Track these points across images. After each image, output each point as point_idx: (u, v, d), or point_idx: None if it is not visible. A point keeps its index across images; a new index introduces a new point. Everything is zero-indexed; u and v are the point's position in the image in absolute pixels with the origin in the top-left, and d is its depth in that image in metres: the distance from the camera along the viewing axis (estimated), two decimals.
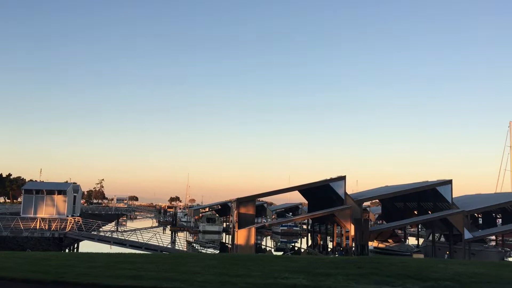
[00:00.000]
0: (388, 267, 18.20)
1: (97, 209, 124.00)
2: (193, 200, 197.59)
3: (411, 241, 65.23)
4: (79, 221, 49.63)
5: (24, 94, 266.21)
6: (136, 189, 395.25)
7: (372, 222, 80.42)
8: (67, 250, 48.90)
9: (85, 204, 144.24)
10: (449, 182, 47.78)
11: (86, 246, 48.97)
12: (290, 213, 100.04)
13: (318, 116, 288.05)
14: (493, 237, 61.34)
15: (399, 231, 64.66)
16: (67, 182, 73.62)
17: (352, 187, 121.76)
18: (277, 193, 51.26)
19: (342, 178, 47.24)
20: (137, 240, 45.23)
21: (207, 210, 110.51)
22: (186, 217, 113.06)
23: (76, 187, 68.82)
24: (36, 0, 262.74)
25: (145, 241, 44.45)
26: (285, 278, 14.70)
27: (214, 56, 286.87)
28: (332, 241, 55.79)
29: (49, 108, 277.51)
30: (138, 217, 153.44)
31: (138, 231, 48.42)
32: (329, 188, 47.26)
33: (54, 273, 14.63)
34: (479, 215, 60.86)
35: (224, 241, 73.06)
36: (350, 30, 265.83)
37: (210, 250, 49.87)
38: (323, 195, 49.42)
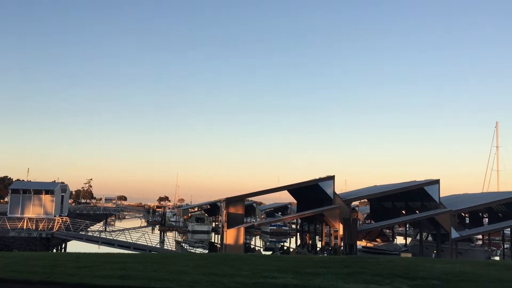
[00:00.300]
0: (376, 266, 18.34)
1: (85, 209, 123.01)
2: (182, 200, 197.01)
3: (399, 240, 65.66)
4: (67, 221, 49.27)
5: (10, 93, 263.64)
6: (125, 189, 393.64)
7: (360, 222, 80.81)
8: (54, 250, 48.50)
9: (73, 204, 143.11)
10: (437, 182, 48.16)
11: (74, 246, 48.62)
12: (279, 213, 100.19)
13: (307, 116, 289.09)
14: (480, 236, 62.06)
15: (387, 231, 65.04)
16: (54, 181, 72.97)
17: (341, 187, 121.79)
18: (266, 193, 51.28)
19: (331, 177, 47.40)
20: (125, 240, 45.01)
21: (196, 209, 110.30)
22: (175, 217, 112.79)
23: (64, 187, 68.24)
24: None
25: (133, 241, 44.24)
26: (274, 277, 14.74)
27: (203, 55, 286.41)
28: (321, 240, 55.96)
29: (36, 107, 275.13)
30: (126, 217, 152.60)
31: (127, 231, 48.19)
32: (318, 187, 47.41)
33: (41, 273, 14.52)
34: (466, 215, 61.46)
35: (213, 240, 72.95)
36: (344, 31, 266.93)
37: (199, 250, 49.79)
38: (312, 194, 49.56)
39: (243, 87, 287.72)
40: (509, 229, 52.39)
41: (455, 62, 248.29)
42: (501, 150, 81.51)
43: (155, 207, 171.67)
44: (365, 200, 72.78)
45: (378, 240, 54.09)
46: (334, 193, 47.01)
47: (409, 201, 53.59)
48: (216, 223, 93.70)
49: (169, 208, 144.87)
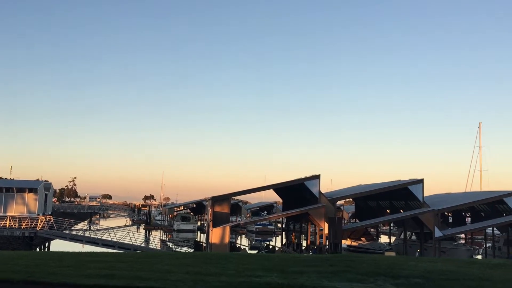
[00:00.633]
0: (360, 264, 18.49)
1: (69, 208, 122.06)
2: (167, 199, 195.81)
3: (384, 239, 66.23)
4: (51, 220, 48.76)
5: None
6: (110, 188, 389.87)
7: (345, 221, 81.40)
8: (37, 249, 47.99)
9: (57, 203, 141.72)
10: (421, 181, 48.67)
11: (58, 245, 48.16)
12: (265, 212, 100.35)
13: (293, 115, 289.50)
14: (463, 235, 62.85)
15: (372, 230, 65.59)
16: (38, 180, 72.21)
17: (326, 186, 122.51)
18: (252, 192, 51.37)
19: (317, 177, 47.62)
20: (110, 239, 44.72)
21: (182, 208, 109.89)
22: (160, 215, 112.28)
23: (47, 185, 67.52)
24: None
25: (118, 240, 43.96)
26: (258, 276, 14.77)
27: (195, 53, 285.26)
28: (306, 239, 56.22)
29: (20, 105, 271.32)
30: (111, 215, 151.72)
31: (111, 230, 47.87)
32: (303, 187, 47.60)
33: (24, 272, 14.35)
34: (449, 214, 62.19)
35: (198, 239, 72.83)
36: (336, 31, 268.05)
37: (184, 249, 49.64)
38: (297, 193, 49.75)
39: (229, 87, 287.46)
40: (491, 228, 53.13)
41: (439, 63, 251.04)
42: (484, 150, 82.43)
43: (140, 206, 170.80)
44: (350, 199, 73.18)
45: (362, 239, 54.50)
46: (320, 192, 47.25)
47: (393, 200, 54.08)
48: (202, 222, 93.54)
49: (154, 207, 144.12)
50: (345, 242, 52.25)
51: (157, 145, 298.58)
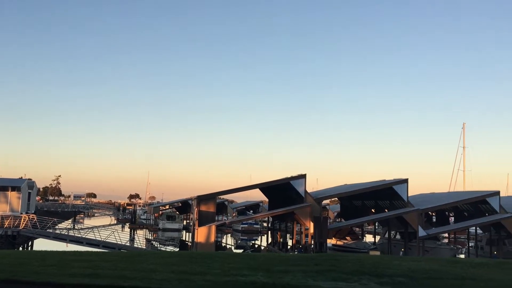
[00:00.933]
0: (345, 264, 18.64)
1: (53, 206, 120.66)
2: (153, 198, 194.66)
3: (368, 238, 66.71)
4: (34, 219, 48.19)
5: None
6: (94, 186, 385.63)
7: (331, 220, 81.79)
8: (20, 248, 47.40)
9: (41, 201, 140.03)
10: (405, 181, 49.07)
11: (41, 244, 47.62)
12: (251, 211, 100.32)
13: (280, 115, 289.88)
14: (446, 235, 63.57)
15: (357, 229, 66.00)
16: (21, 178, 71.20)
17: (312, 185, 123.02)
18: (238, 191, 51.29)
19: (303, 176, 47.76)
20: (94, 238, 44.33)
21: (167, 207, 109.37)
22: (145, 214, 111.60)
23: (31, 183, 66.61)
24: None
25: (103, 239, 43.60)
26: (244, 275, 14.80)
27: (184, 52, 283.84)
28: (292, 238, 56.38)
29: (3, 104, 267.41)
30: (96, 214, 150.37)
31: (96, 229, 47.48)
32: (289, 186, 47.70)
33: (7, 271, 14.19)
34: (433, 213, 62.84)
35: (184, 239, 72.58)
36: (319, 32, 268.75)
37: (169, 248, 49.45)
38: (283, 193, 49.85)
39: (215, 87, 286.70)
40: (474, 227, 53.81)
41: (424, 64, 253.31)
42: (467, 151, 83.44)
43: (125, 205, 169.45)
44: (336, 198, 73.63)
45: (347, 238, 54.82)
46: (306, 191, 47.39)
47: (378, 200, 54.47)
48: (188, 221, 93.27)
49: (139, 206, 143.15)
50: (330, 242, 52.49)
51: (142, 144, 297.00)
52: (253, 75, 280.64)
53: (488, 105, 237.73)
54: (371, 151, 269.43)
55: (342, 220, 64.04)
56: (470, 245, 55.97)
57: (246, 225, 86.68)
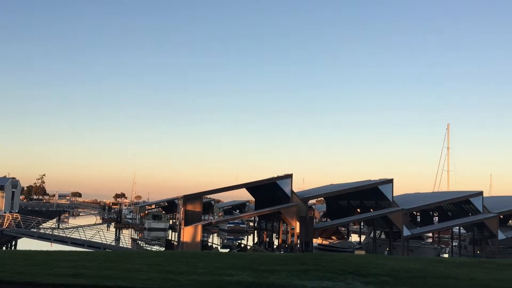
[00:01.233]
0: (330, 263, 18.73)
1: (37, 206, 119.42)
2: (139, 197, 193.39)
3: (354, 238, 67.13)
4: (18, 218, 47.64)
5: None
6: (80, 185, 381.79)
7: (317, 220, 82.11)
8: (4, 248, 46.81)
9: (25, 200, 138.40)
10: (390, 181, 49.47)
11: (25, 244, 47.07)
12: (237, 211, 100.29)
13: (266, 115, 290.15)
14: (430, 234, 64.26)
15: (343, 229, 66.38)
16: (5, 177, 70.42)
17: (298, 185, 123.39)
18: (225, 190, 51.26)
19: (289, 176, 47.88)
20: (79, 238, 43.96)
21: (154, 207, 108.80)
22: (131, 214, 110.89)
23: (14, 182, 65.94)
24: None
25: (88, 239, 43.27)
26: (229, 275, 14.81)
27: (177, 52, 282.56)
28: (278, 238, 56.50)
29: None
30: (81, 214, 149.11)
31: (81, 228, 47.09)
32: (276, 186, 47.79)
33: None
34: (418, 213, 63.42)
35: (170, 238, 72.32)
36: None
37: (155, 248, 49.23)
38: (270, 192, 49.93)
39: (201, 85, 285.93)
40: (457, 227, 54.45)
41: (409, 63, 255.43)
42: (451, 152, 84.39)
43: (111, 204, 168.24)
44: (322, 198, 73.86)
45: (333, 237, 55.11)
46: (292, 191, 47.51)
47: (364, 199, 54.83)
48: (174, 220, 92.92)
49: (125, 205, 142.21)
50: (316, 241, 52.73)
51: (128, 143, 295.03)
52: (239, 76, 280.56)
53: (472, 106, 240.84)
54: (357, 151, 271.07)
55: (328, 219, 64.35)
56: (453, 244, 56.61)
57: (233, 225, 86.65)
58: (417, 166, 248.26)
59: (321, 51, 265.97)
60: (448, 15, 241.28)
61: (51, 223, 70.64)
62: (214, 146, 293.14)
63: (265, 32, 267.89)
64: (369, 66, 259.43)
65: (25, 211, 73.82)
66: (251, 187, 51.63)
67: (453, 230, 56.53)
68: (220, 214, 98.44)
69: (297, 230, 45.57)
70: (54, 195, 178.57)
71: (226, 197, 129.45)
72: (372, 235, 54.59)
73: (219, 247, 62.55)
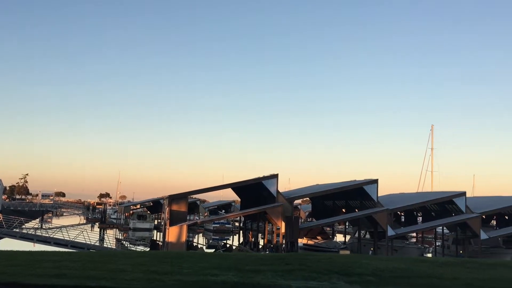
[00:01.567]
0: (315, 263, 18.80)
1: (20, 205, 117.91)
2: (124, 197, 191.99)
3: (339, 238, 67.46)
4: (0, 218, 46.93)
5: None
6: (63, 185, 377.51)
7: (302, 220, 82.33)
8: None
9: (7, 200, 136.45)
10: (375, 181, 49.81)
11: (7, 244, 46.30)
12: (223, 211, 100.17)
13: (252, 116, 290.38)
14: (414, 234, 64.88)
15: (328, 228, 66.68)
16: None
17: (284, 185, 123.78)
18: (210, 190, 51.12)
19: (275, 176, 47.94)
20: (62, 238, 43.48)
21: (138, 207, 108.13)
22: (116, 214, 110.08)
23: None
24: None
25: (71, 239, 42.82)
26: (215, 275, 14.78)
27: (151, 54, 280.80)
28: (264, 238, 56.53)
29: None
30: (64, 214, 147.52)
31: (64, 229, 46.58)
32: (261, 186, 47.81)
33: None
34: (402, 213, 63.99)
35: (155, 238, 71.90)
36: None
37: (140, 248, 48.91)
38: (255, 192, 49.93)
39: (185, 85, 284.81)
40: (441, 227, 55.06)
41: (394, 64, 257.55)
42: (435, 152, 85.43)
43: (95, 204, 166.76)
44: (308, 198, 74.13)
45: (318, 237, 55.33)
46: (277, 191, 47.58)
47: (349, 200, 55.14)
48: (159, 220, 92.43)
49: (110, 205, 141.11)
50: (302, 241, 52.90)
51: (113, 142, 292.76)
52: (224, 75, 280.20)
53: (456, 107, 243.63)
54: (342, 152, 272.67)
55: (313, 219, 64.58)
56: (437, 244, 57.22)
57: (218, 225, 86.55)
58: (401, 167, 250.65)
59: (321, 51, 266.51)
60: (434, 16, 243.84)
61: (34, 223, 69.67)
62: (200, 145, 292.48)
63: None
64: (352, 67, 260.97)
65: (7, 211, 72.86)
66: (237, 187, 51.56)
67: (437, 230, 57.16)
68: (206, 214, 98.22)
69: (283, 230, 45.64)
70: (37, 195, 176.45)
71: (212, 197, 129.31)
72: (357, 235, 54.94)
73: (204, 247, 62.36)
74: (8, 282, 12.28)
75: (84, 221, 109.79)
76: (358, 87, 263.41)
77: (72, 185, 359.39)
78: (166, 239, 43.27)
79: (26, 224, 57.30)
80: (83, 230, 46.78)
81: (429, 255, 53.28)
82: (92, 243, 42.94)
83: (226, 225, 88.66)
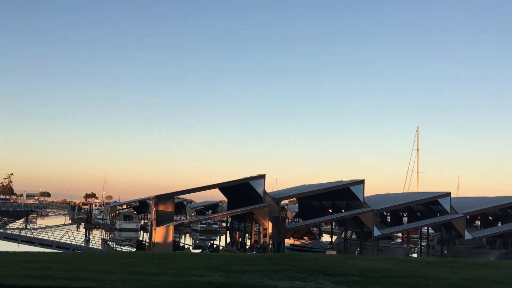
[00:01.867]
0: (301, 263, 18.88)
1: (4, 206, 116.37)
2: (110, 197, 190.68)
3: (326, 238, 67.74)
4: None
5: None
6: (49, 185, 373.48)
7: (289, 220, 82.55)
8: None
9: None
10: (362, 182, 50.11)
11: None
12: (210, 211, 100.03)
13: (239, 115, 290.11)
14: (400, 234, 65.43)
15: (314, 229, 66.94)
16: None
17: (271, 186, 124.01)
18: (197, 191, 51.00)
19: (262, 176, 47.99)
20: (47, 238, 43.04)
21: (125, 207, 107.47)
22: (102, 214, 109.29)
23: None
24: None
25: (56, 239, 42.40)
26: (201, 275, 14.76)
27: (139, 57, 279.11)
28: (250, 238, 56.57)
29: None
30: (50, 214, 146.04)
31: (49, 229, 46.11)
32: (248, 186, 47.84)
33: None
34: (388, 214, 64.47)
35: (141, 239, 71.55)
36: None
37: (126, 248, 48.63)
38: (242, 193, 49.94)
39: (172, 85, 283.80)
40: (426, 227, 55.57)
41: (379, 65, 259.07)
42: (421, 153, 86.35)
43: (81, 204, 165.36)
44: (295, 199, 74.36)
45: (305, 238, 55.51)
46: (265, 191, 47.64)
47: (335, 200, 55.41)
48: (145, 221, 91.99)
49: (96, 205, 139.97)
50: (288, 241, 53.03)
51: (98, 142, 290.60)
52: (211, 75, 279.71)
53: (441, 108, 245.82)
54: (329, 153, 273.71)
55: (300, 220, 64.80)
56: (422, 244, 57.76)
57: (205, 225, 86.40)
58: (388, 167, 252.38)
59: (305, 49, 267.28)
60: (419, 15, 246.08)
61: (19, 223, 68.87)
62: (187, 145, 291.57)
63: (240, 28, 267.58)
64: (338, 66, 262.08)
65: None
66: (224, 187, 51.54)
67: (422, 230, 57.66)
68: (193, 214, 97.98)
69: (270, 230, 45.72)
70: (21, 195, 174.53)
71: (199, 197, 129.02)
72: (343, 235, 55.21)
73: (191, 248, 62.23)
74: None
75: (70, 222, 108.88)
76: (344, 87, 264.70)
77: (58, 185, 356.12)
78: (153, 240, 43.08)
79: (10, 225, 56.60)
80: (68, 230, 46.35)
81: (415, 255, 53.76)
82: (78, 244, 42.58)
83: (213, 226, 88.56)
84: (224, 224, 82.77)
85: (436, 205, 52.12)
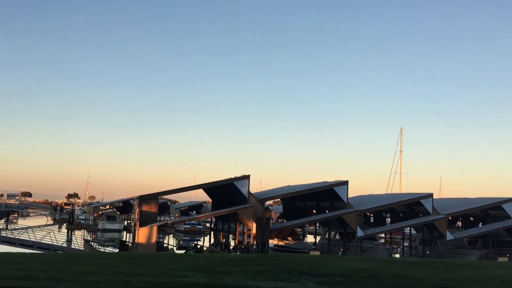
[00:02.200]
0: (285, 264, 18.92)
1: None
2: (93, 197, 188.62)
3: (309, 238, 67.96)
4: None
5: None
6: (30, 185, 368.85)
7: (273, 221, 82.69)
8: None
9: None
10: (345, 183, 50.38)
11: None
12: (194, 211, 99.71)
13: (224, 115, 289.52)
14: (383, 235, 65.95)
15: (299, 229, 67.13)
16: None
17: (256, 186, 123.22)
18: (181, 191, 50.81)
19: (246, 177, 47.96)
20: (28, 239, 42.41)
21: (108, 207, 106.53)
22: (84, 214, 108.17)
23: None
24: None
25: (37, 240, 41.81)
26: (184, 276, 14.69)
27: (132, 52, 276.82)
28: (234, 239, 56.49)
29: None
30: (31, 214, 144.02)
31: (30, 229, 45.44)
32: (233, 186, 47.76)
33: None
34: (371, 214, 64.92)
35: (124, 239, 70.96)
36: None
37: (109, 249, 48.16)
38: (227, 193, 49.85)
39: (158, 86, 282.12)
40: (408, 228, 56.11)
41: (363, 66, 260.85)
42: (404, 154, 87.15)
43: (63, 204, 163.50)
44: (279, 199, 74.51)
45: (289, 238, 55.61)
46: (249, 192, 47.63)
47: (319, 201, 55.64)
48: (129, 221, 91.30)
49: (78, 206, 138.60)
50: (272, 242, 53.05)
51: (82, 142, 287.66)
52: (196, 76, 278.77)
53: (424, 110, 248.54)
54: (313, 153, 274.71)
55: (284, 220, 64.86)
56: (404, 245, 58.30)
57: (189, 226, 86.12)
58: (371, 168, 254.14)
59: (288, 51, 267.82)
60: (403, 18, 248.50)
61: None
62: (171, 146, 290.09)
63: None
64: (324, 67, 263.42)
65: None
66: (208, 188, 51.40)
67: (404, 230, 58.20)
68: (177, 215, 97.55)
69: (254, 231, 45.70)
70: (2, 195, 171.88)
71: (183, 198, 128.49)
72: (327, 236, 55.46)
73: (175, 248, 61.88)
74: None
75: (51, 222, 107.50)
76: (328, 90, 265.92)
77: (39, 185, 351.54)
78: (136, 240, 42.75)
79: None
80: (50, 231, 45.76)
81: (397, 255, 54.22)
82: (59, 244, 42.05)
83: (197, 226, 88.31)
84: (208, 225, 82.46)
85: (419, 206, 52.66)
